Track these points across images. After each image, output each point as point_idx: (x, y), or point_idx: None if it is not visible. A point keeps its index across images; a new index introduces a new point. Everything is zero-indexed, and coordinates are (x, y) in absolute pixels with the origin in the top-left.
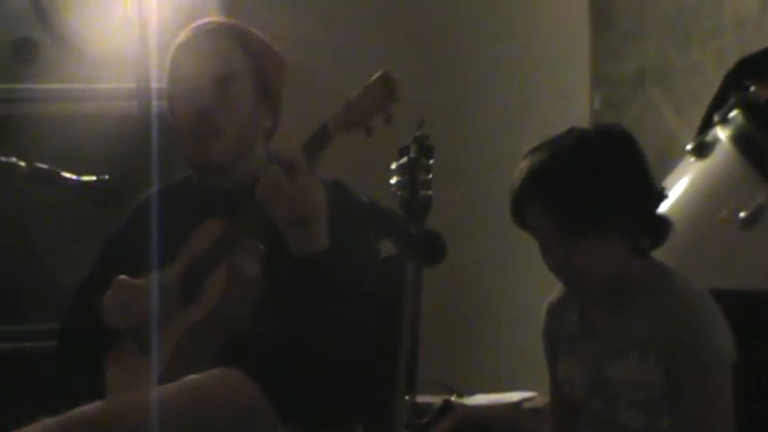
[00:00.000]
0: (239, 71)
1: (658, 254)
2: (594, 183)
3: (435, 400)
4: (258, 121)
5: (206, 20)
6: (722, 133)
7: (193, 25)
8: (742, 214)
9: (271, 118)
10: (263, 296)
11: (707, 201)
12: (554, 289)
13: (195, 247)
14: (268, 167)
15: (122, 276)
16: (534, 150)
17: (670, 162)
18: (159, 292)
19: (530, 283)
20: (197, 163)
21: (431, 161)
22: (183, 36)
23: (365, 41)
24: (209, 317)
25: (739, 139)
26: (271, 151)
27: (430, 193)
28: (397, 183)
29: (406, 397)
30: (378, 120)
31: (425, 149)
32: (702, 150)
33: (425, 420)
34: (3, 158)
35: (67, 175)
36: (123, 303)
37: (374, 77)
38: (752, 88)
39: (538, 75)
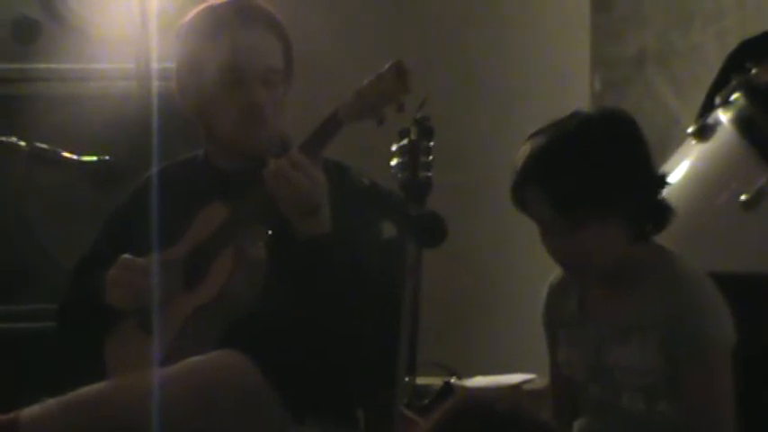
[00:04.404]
0: (279, 62)
1: (659, 237)
2: (596, 168)
3: (435, 381)
4: (284, 103)
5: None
6: (723, 116)
7: (211, 5)
8: (743, 197)
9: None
10: (268, 279)
11: (708, 184)
12: (554, 272)
13: (201, 230)
14: (276, 162)
15: (127, 255)
16: (536, 134)
17: (671, 145)
18: (164, 273)
19: (530, 265)
20: (240, 149)
21: (431, 143)
22: (205, 18)
23: (364, 22)
24: (214, 300)
25: (740, 122)
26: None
27: (430, 174)
28: (398, 164)
29: (407, 379)
30: (390, 109)
31: (426, 131)
32: (703, 133)
33: (426, 402)
34: (3, 138)
35: (68, 155)
36: (128, 282)
37: (387, 66)
38: (753, 71)
39: (538, 56)
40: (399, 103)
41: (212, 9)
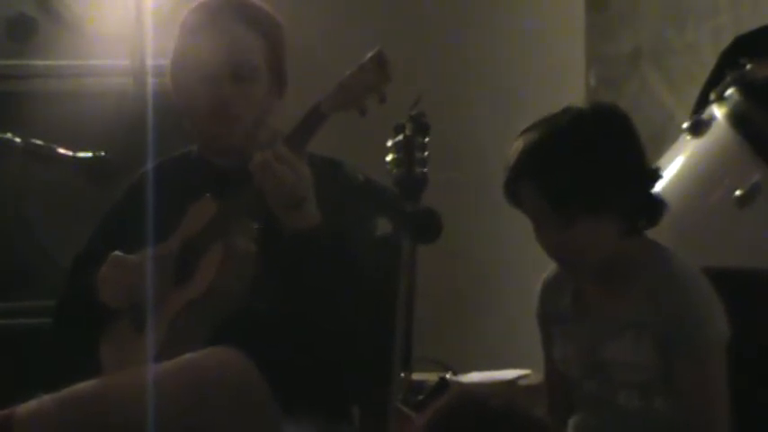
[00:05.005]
0: (256, 57)
1: (653, 232)
2: (588, 163)
3: (430, 377)
4: (270, 102)
5: None
6: (718, 111)
7: (202, 1)
8: (737, 192)
9: (278, 96)
10: (258, 274)
11: (702, 179)
12: (548, 268)
13: (191, 225)
14: (260, 154)
15: (117, 252)
16: (529, 129)
17: (666, 141)
18: (155, 269)
19: (525, 261)
20: (215, 146)
21: (426, 139)
22: (194, 15)
23: (360, 19)
24: (204, 295)
25: (735, 118)
26: (270, 129)
27: (425, 170)
28: (393, 160)
29: (401, 374)
30: (372, 100)
31: (421, 127)
32: (698, 128)
33: (420, 398)
34: None
35: (63, 151)
36: (118, 279)
37: (368, 56)
38: (748, 66)
39: (533, 53)
40: (381, 93)
41: (201, 5)
